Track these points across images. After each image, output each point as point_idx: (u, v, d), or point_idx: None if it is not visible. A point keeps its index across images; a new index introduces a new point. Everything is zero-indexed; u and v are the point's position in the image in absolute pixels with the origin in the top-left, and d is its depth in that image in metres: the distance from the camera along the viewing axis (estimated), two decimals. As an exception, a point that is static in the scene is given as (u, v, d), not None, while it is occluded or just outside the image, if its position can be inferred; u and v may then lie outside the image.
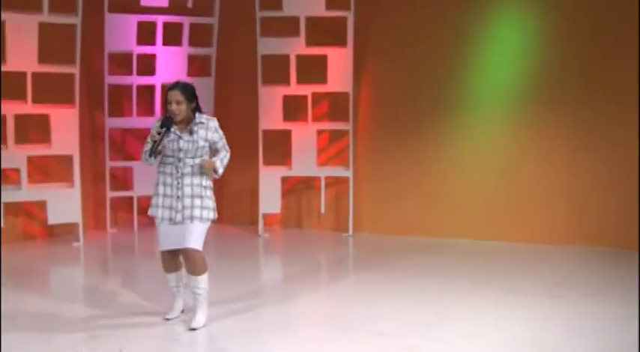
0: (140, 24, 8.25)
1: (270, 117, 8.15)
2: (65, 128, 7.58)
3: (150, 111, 8.62)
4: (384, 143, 8.20)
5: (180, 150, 4.76)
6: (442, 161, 7.96)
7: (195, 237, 4.75)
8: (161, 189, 4.82)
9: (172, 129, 4.77)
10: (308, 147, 8.16)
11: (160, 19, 8.31)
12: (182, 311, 5.07)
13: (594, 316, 4.98)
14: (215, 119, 4.96)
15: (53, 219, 7.61)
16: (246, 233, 8.45)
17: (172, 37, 8.41)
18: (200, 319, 4.84)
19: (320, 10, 7.89)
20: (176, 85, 4.85)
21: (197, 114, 4.87)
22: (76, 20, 7.42)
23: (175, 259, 4.96)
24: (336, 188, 8.47)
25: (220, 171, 4.85)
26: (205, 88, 8.59)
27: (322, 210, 8.27)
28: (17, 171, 7.48)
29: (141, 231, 8.50)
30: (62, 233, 8.22)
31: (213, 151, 4.90)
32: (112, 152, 8.53)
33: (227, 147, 4.95)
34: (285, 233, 8.46)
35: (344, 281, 6.17)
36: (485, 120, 7.74)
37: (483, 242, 7.58)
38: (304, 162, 8.18)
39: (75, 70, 7.56)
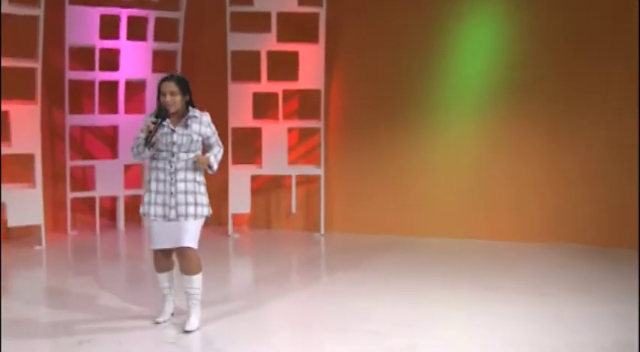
0: (103, 17, 8.01)
1: (240, 114, 8.04)
2: (26, 125, 7.31)
3: (113, 108, 8.39)
4: (356, 141, 8.19)
5: (174, 144, 4.65)
6: (414, 159, 7.99)
7: (190, 235, 4.65)
8: (154, 185, 4.70)
9: (166, 123, 4.65)
10: (278, 145, 8.08)
11: (124, 13, 8.09)
12: (172, 315, 4.95)
13: (585, 314, 5.06)
14: (207, 113, 4.88)
15: (13, 221, 7.32)
16: (215, 234, 8.28)
17: (137, 31, 8.21)
18: (194, 322, 4.72)
19: (292, 6, 7.83)
20: (171, 77, 4.78)
21: (190, 108, 4.78)
22: (38, 12, 7.16)
23: (168, 258, 4.85)
24: (307, 187, 8.42)
25: (215, 166, 4.77)
26: (170, 85, 8.45)
27: (293, 210, 8.21)
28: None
29: (103, 234, 8.27)
30: (19, 236, 7.92)
31: (206, 146, 4.81)
32: (72, 151, 8.28)
33: (220, 143, 4.87)
34: (255, 233, 8.36)
35: (325, 281, 6.14)
36: (457, 118, 7.82)
37: (456, 240, 7.65)
38: (275, 160, 8.10)
39: (37, 64, 7.30)
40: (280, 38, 7.90)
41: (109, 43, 8.11)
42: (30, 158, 7.42)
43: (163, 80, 4.76)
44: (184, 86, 4.75)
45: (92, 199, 8.52)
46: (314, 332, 4.74)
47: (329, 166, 8.21)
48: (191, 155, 4.68)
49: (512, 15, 7.51)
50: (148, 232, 4.81)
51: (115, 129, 8.52)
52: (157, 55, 8.35)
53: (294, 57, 7.98)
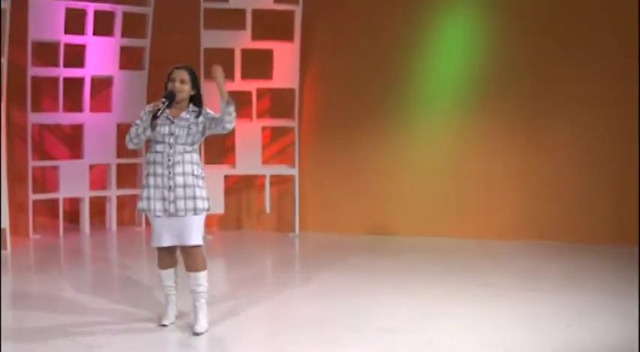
0: (68, 11, 7.80)
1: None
2: (-11, 124, 7.06)
3: (78, 106, 8.17)
4: (330, 141, 8.23)
5: (171, 134, 4.56)
6: (389, 158, 8.09)
7: (195, 231, 4.59)
8: (151, 180, 4.60)
9: (166, 114, 4.56)
10: (252, 144, 8.05)
11: (90, 7, 7.89)
12: (176, 317, 4.86)
13: (578, 307, 5.26)
14: (208, 108, 4.81)
15: (-24, 224, 7.06)
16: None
17: (103, 26, 8.03)
18: (203, 323, 4.62)
19: (268, 3, 7.81)
20: (184, 66, 4.72)
21: (191, 105, 4.71)
22: (4, 4, 6.91)
23: (173, 255, 4.75)
24: (278, 187, 8.42)
25: (231, 109, 4.59)
26: (137, 82, 8.29)
27: (267, 210, 8.20)
28: None
29: (67, 237, 8.04)
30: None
31: (217, 120, 4.65)
32: (33, 151, 8.02)
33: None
34: (227, 234, 8.28)
35: (317, 281, 6.12)
36: (432, 117, 7.96)
37: (431, 238, 7.79)
38: (248, 160, 8.07)
39: (2, 59, 7.04)
40: (254, 36, 7.87)
41: (75, 39, 7.90)
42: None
43: (176, 68, 4.70)
44: (194, 78, 4.70)
45: (51, 201, 8.30)
46: (325, 331, 4.73)
47: (302, 166, 8.23)
48: (188, 148, 4.59)
49: (488, 13, 7.69)
50: (152, 228, 4.69)
51: (79, 127, 8.31)
52: (124, 51, 8.19)
53: (268, 55, 7.97)
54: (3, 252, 7.13)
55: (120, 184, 8.42)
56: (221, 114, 4.63)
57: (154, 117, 4.48)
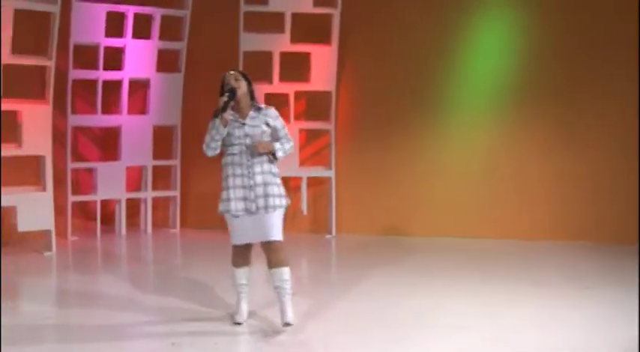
0: (109, 14, 7.95)
1: (251, 115, 8.13)
2: (37, 126, 7.18)
3: (115, 109, 8.32)
4: (365, 142, 8.41)
5: (246, 136, 4.78)
6: (424, 160, 8.28)
7: (276, 227, 4.79)
8: (231, 181, 4.80)
9: (235, 117, 4.80)
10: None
11: (130, 10, 8.04)
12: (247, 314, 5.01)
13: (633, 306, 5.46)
14: (273, 107, 5.01)
15: (24, 225, 7.17)
16: (222, 237, 8.33)
17: (142, 29, 8.18)
18: (291, 314, 4.77)
19: (307, 7, 7.98)
20: (234, 70, 5.02)
21: (254, 103, 4.94)
22: (54, 8, 7.05)
23: (249, 253, 4.97)
24: (313, 189, 8.58)
25: (280, 154, 4.85)
26: (173, 85, 8.45)
27: (304, 212, 8.36)
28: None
29: (104, 239, 8.17)
30: (17, 242, 7.75)
31: (274, 141, 4.90)
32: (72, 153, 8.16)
33: (289, 137, 4.97)
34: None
35: (365, 281, 6.24)
36: (467, 119, 8.15)
37: (465, 240, 7.97)
38: (286, 162, 8.17)
39: (49, 62, 7.18)
40: (292, 39, 8.04)
41: (114, 42, 8.05)
42: (39, 160, 7.29)
43: (227, 73, 4.95)
44: (247, 77, 4.96)
45: (82, 203, 8.42)
46: (394, 329, 4.90)
47: (338, 168, 8.40)
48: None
49: (523, 18, 7.90)
50: (230, 227, 4.86)
51: (111, 129, 8.45)
52: (160, 53, 8.33)
53: (305, 58, 8.15)
54: (48, 253, 7.29)
55: (153, 186, 8.56)
56: (280, 143, 4.88)
57: (223, 109, 4.70)
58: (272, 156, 4.85)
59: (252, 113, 4.87)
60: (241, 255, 4.95)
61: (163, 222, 8.81)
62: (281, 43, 8.02)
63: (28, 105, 7.16)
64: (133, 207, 8.65)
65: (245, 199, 4.77)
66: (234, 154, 4.82)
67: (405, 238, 8.16)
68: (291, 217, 8.71)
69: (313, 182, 8.53)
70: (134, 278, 6.49)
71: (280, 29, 8.01)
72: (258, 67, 8.08)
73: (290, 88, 8.17)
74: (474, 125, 8.15)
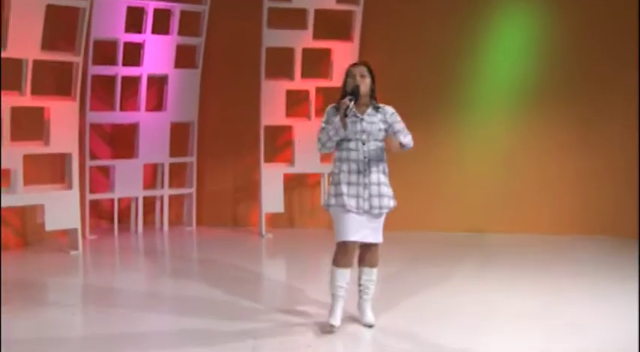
0: (128, 10, 7.93)
1: (273, 112, 8.21)
2: (63, 123, 7.14)
3: (134, 105, 8.31)
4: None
5: (363, 131, 4.74)
6: (444, 156, 8.48)
7: (381, 229, 4.82)
8: (345, 176, 4.75)
9: (353, 112, 4.73)
10: (310, 143, 8.31)
11: (150, 5, 8.04)
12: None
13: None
14: (390, 106, 4.97)
15: (51, 224, 7.14)
16: (242, 234, 8.44)
17: (160, 25, 8.19)
18: (371, 314, 4.87)
19: (330, 3, 8.09)
20: (361, 62, 5.00)
21: (372, 100, 4.92)
22: (84, 3, 7.02)
23: (353, 253, 4.84)
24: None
25: (404, 142, 4.79)
26: (191, 81, 8.48)
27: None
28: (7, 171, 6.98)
29: (121, 237, 8.17)
30: (36, 241, 7.72)
31: (394, 134, 4.83)
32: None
33: (407, 131, 4.89)
34: (285, 232, 8.48)
35: (409, 274, 6.40)
36: (488, 116, 8.38)
37: (488, 235, 8.21)
38: (307, 158, 8.34)
39: (77, 58, 7.15)
40: (314, 35, 8.15)
41: (134, 37, 8.04)
42: (65, 158, 7.26)
43: (352, 65, 4.94)
44: (372, 73, 4.91)
45: (95, 201, 8.40)
46: (462, 319, 5.09)
47: (358, 164, 8.54)
48: (379, 145, 4.77)
49: (543, 16, 8.16)
50: (337, 224, 4.76)
51: (127, 127, 8.45)
52: (178, 49, 8.34)
53: (324, 54, 8.27)
54: (74, 252, 7.27)
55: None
56: (399, 140, 4.84)
57: (345, 115, 4.63)
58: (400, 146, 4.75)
59: (370, 110, 4.84)
60: (346, 253, 4.80)
61: (177, 219, 8.84)
62: (303, 39, 8.12)
63: (55, 102, 7.12)
64: (146, 204, 8.64)
65: (357, 196, 4.73)
66: (349, 150, 4.76)
67: (425, 232, 8.35)
68: (309, 213, 8.87)
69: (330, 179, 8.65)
70: (189, 277, 6.50)
71: (302, 25, 8.11)
72: (278, 63, 8.19)
73: (311, 85, 8.28)
74: (494, 122, 8.38)
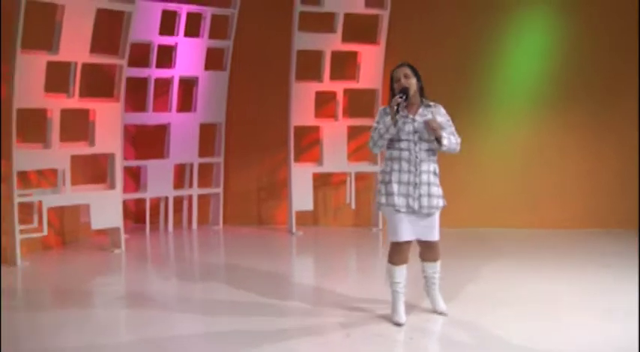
0: (162, 13, 8.22)
1: (302, 113, 8.57)
2: (108, 124, 7.43)
3: (165, 106, 8.60)
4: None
5: (415, 132, 4.94)
6: (465, 156, 8.85)
7: (436, 227, 5.03)
8: (396, 176, 4.94)
9: (404, 113, 4.93)
10: (338, 143, 8.72)
11: (183, 9, 8.34)
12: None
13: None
14: (440, 105, 5.18)
15: (97, 224, 7.42)
16: (271, 232, 8.80)
17: (192, 27, 8.49)
18: (443, 303, 5.19)
19: (359, 7, 8.49)
20: (403, 63, 5.14)
21: (423, 99, 5.11)
22: (131, 7, 7.31)
23: (408, 251, 5.06)
24: (356, 184, 9.07)
25: (445, 142, 4.94)
26: (219, 83, 8.79)
27: (353, 206, 8.88)
28: (53, 171, 7.24)
29: (153, 236, 8.46)
30: (73, 241, 7.97)
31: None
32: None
33: (456, 134, 5.11)
34: (312, 230, 8.84)
35: (469, 268, 6.77)
36: (506, 117, 8.86)
37: (506, 230, 8.69)
38: (335, 158, 8.72)
39: (122, 60, 7.43)
40: (344, 39, 8.54)
41: (167, 40, 8.33)
42: (109, 158, 7.54)
43: (397, 67, 5.11)
44: (416, 72, 5.09)
45: (131, 202, 8.66)
46: (522, 307, 5.52)
47: (382, 163, 8.95)
48: (431, 145, 4.98)
49: (560, 19, 8.68)
50: (391, 224, 5.01)
51: (148, 128, 8.72)
52: (208, 51, 8.66)
53: (352, 56, 8.66)
54: (117, 251, 7.55)
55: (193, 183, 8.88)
56: (442, 142, 5.03)
57: (397, 111, 4.85)
58: (437, 142, 4.94)
59: (421, 110, 5.02)
60: (401, 252, 5.03)
61: (203, 218, 9.14)
62: (332, 43, 8.49)
63: (100, 104, 7.39)
64: (173, 204, 8.91)
65: (408, 196, 4.93)
66: (401, 149, 4.96)
67: (447, 230, 8.76)
68: (333, 212, 9.25)
69: (355, 177, 9.04)
70: (239, 276, 6.69)
71: (330, 29, 8.49)
72: (305, 65, 8.54)
73: (339, 86, 8.67)
74: (513, 123, 8.86)
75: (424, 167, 5.00)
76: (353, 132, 9.04)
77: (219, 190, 9.02)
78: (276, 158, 9.13)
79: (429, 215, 5.02)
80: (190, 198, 8.91)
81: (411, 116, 5.03)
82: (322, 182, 9.17)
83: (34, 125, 7.03)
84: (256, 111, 9.13)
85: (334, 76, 8.65)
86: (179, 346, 4.81)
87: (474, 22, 8.80)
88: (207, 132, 8.91)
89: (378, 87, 8.74)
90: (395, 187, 4.98)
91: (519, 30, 8.81)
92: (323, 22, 8.55)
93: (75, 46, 6.95)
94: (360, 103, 8.93)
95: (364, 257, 7.78)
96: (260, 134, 9.16)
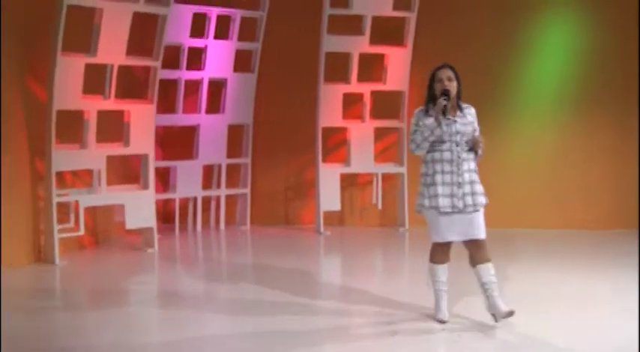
0: (194, 16, 8.37)
1: (330, 114, 8.72)
2: (142, 126, 7.58)
3: (193, 108, 8.75)
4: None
5: (457, 133, 5.08)
6: (492, 157, 9.00)
7: (482, 225, 5.14)
8: (439, 177, 5.06)
9: (448, 114, 5.06)
10: (365, 144, 8.86)
11: (213, 12, 8.50)
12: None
13: None
14: (472, 107, 5.32)
15: (131, 223, 7.57)
16: (297, 232, 8.95)
17: (222, 30, 8.64)
18: (503, 305, 5.09)
19: (387, 10, 8.63)
20: (445, 65, 5.22)
21: (460, 102, 5.24)
22: (166, 11, 7.47)
23: (449, 250, 5.19)
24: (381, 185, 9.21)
25: (480, 152, 5.14)
26: (247, 85, 8.94)
27: (379, 207, 9.02)
28: (87, 171, 7.41)
29: (182, 236, 8.61)
30: (105, 240, 8.13)
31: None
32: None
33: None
34: (339, 230, 8.99)
35: (507, 268, 6.79)
36: (533, 119, 9.00)
37: (532, 230, 8.82)
38: (362, 159, 8.87)
39: (156, 63, 7.59)
40: (371, 41, 8.69)
41: (197, 42, 8.49)
42: (142, 159, 7.69)
43: (439, 68, 5.20)
44: (457, 75, 5.18)
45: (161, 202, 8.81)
46: (552, 307, 5.67)
47: (408, 164, 9.09)
48: (469, 145, 5.13)
49: (585, 23, 8.82)
50: (433, 225, 5.13)
51: (172, 129, 8.87)
52: (237, 53, 8.81)
53: (378, 58, 8.81)
54: (150, 250, 7.70)
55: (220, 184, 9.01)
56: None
57: (443, 114, 5.01)
58: (474, 152, 5.14)
59: (459, 112, 5.17)
60: (443, 251, 5.17)
61: (230, 219, 9.29)
62: (360, 45, 8.64)
63: (135, 105, 7.55)
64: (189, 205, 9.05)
65: (452, 196, 5.05)
66: (443, 151, 5.08)
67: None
68: (359, 212, 9.40)
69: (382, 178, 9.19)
70: (274, 275, 6.83)
71: (358, 31, 8.64)
72: (332, 66, 8.68)
73: (366, 88, 8.81)
74: (539, 125, 9.01)
75: (465, 166, 5.13)
76: (379, 134, 9.19)
77: (247, 191, 9.17)
78: (302, 158, 9.27)
79: (473, 213, 5.14)
80: (218, 198, 9.06)
81: (451, 117, 5.16)
82: (348, 182, 9.30)
83: (68, 126, 7.18)
84: (283, 113, 9.27)
85: (361, 78, 8.80)
86: (213, 346, 4.88)
87: (500, 24, 8.94)
88: (234, 134, 9.06)
89: (405, 89, 8.88)
90: (439, 189, 5.10)
91: (544, 32, 8.95)
92: (350, 25, 8.69)
93: (112, 48, 7.11)
94: (385, 105, 9.07)
95: (394, 256, 7.90)
96: (286, 135, 9.31)
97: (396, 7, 8.67)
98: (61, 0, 6.63)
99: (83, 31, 7.07)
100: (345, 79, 8.76)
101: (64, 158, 7.02)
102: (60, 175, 7.25)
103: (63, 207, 7.19)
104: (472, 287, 5.51)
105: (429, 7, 8.88)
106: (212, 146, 8.81)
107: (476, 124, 5.28)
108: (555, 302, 5.85)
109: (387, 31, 8.83)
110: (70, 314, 5.62)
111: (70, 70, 6.87)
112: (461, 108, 5.23)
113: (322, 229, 8.76)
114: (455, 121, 5.16)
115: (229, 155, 9.01)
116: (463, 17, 8.98)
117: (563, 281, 6.51)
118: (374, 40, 8.72)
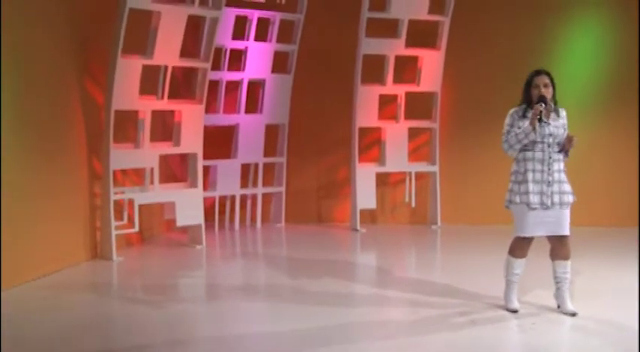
0: (236, 18, 8.70)
1: (366, 115, 9.08)
2: (191, 125, 7.89)
3: (232, 108, 9.07)
4: (462, 140, 9.52)
5: (550, 135, 5.49)
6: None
7: (567, 222, 5.52)
8: (530, 175, 5.46)
9: (544, 119, 5.45)
10: (399, 144, 9.23)
11: (255, 14, 8.83)
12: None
13: None
14: (564, 109, 5.71)
15: (181, 221, 7.88)
16: (333, 229, 9.31)
17: (262, 32, 8.98)
18: (571, 304, 5.55)
19: (422, 14, 9.00)
20: (542, 70, 5.63)
21: (554, 106, 5.62)
22: (218, 14, 7.78)
23: (529, 246, 5.58)
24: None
25: (569, 154, 5.59)
26: (284, 85, 9.28)
27: (413, 205, 9.40)
28: (136, 170, 7.72)
29: (221, 233, 8.94)
30: (150, 237, 8.43)
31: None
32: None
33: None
34: (372, 228, 9.35)
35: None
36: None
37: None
38: (396, 158, 9.24)
39: (206, 64, 7.91)
40: (407, 44, 9.06)
41: (238, 44, 8.82)
42: (190, 157, 8.01)
43: (536, 73, 5.60)
44: (553, 80, 5.60)
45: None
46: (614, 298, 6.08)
47: (440, 163, 9.48)
48: (560, 147, 5.54)
49: (611, 22, 9.26)
50: (519, 220, 5.49)
51: (231, 128, 9.15)
52: (275, 55, 9.15)
53: (412, 61, 9.19)
54: (199, 246, 8.02)
55: (255, 182, 9.33)
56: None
57: (540, 119, 5.42)
58: (565, 153, 5.56)
59: (553, 115, 5.55)
60: (524, 247, 5.57)
61: (265, 216, 9.62)
62: (396, 47, 9.01)
63: (185, 105, 7.86)
64: (234, 202, 9.38)
65: (542, 193, 5.45)
66: (535, 151, 5.49)
67: (501, 226, 9.28)
68: (390, 209, 9.77)
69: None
70: (324, 270, 7.08)
71: (393, 34, 9.01)
72: (368, 68, 9.04)
73: (401, 90, 9.19)
74: (568, 124, 9.38)
75: (556, 166, 5.55)
76: (411, 134, 9.56)
77: (282, 189, 9.51)
78: (335, 158, 9.62)
79: (560, 210, 5.52)
80: (253, 196, 9.39)
81: (546, 120, 5.54)
82: (380, 181, 9.66)
83: (119, 126, 7.47)
84: (317, 113, 9.62)
85: (395, 80, 9.17)
86: (269, 340, 5.15)
87: (527, 26, 9.34)
88: (269, 133, 9.39)
89: (437, 90, 9.26)
90: (530, 186, 5.50)
91: (572, 33, 9.38)
92: (385, 28, 9.06)
93: (168, 50, 7.42)
94: (418, 106, 9.44)
95: (436, 252, 8.31)
96: (320, 135, 9.66)
97: (431, 11, 9.04)
98: (123, 3, 6.93)
99: (137, 33, 7.37)
100: (380, 80, 9.13)
101: (120, 157, 7.32)
102: (113, 174, 7.55)
103: (117, 205, 7.49)
104: (539, 280, 5.92)
105: (460, 11, 9.27)
106: (250, 145, 9.14)
107: (566, 125, 5.67)
108: (622, 294, 6.19)
109: (420, 34, 9.20)
110: (128, 308, 5.90)
111: (128, 71, 7.17)
112: (555, 111, 5.60)
113: (359, 226, 9.12)
114: (548, 124, 5.54)
115: (265, 154, 9.34)
116: (492, 21, 9.37)
117: (619, 276, 6.84)
118: (409, 43, 9.09)
